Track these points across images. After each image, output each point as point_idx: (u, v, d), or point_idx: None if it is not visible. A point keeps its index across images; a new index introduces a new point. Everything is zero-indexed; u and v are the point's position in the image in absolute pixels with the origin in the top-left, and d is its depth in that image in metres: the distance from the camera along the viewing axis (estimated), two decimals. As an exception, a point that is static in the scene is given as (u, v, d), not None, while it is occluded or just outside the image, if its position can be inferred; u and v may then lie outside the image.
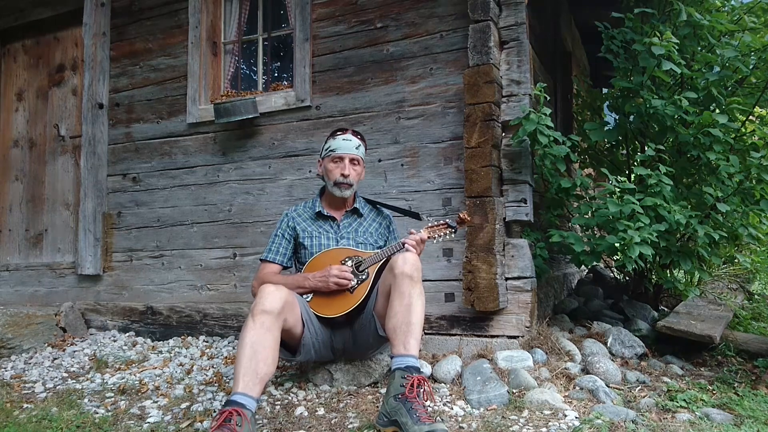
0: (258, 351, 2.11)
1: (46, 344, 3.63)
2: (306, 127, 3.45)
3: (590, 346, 2.90)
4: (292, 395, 2.54)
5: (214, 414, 2.35)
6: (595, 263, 3.21)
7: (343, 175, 2.59)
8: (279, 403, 2.45)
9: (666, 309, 4.13)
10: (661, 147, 3.17)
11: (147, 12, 4.04)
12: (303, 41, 3.46)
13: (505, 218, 2.95)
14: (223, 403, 2.46)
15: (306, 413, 2.33)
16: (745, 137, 3.36)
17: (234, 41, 3.91)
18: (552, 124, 2.85)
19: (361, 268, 2.49)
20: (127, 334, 3.82)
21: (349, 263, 2.50)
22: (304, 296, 2.51)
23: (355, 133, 2.70)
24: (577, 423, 2.12)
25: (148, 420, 2.35)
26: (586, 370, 2.68)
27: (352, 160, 2.62)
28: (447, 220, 2.52)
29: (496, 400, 2.35)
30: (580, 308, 3.86)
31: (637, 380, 2.66)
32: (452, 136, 3.06)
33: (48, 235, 4.42)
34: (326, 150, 2.66)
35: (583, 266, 3.32)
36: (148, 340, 3.70)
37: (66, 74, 4.45)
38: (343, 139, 2.63)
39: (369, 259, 2.50)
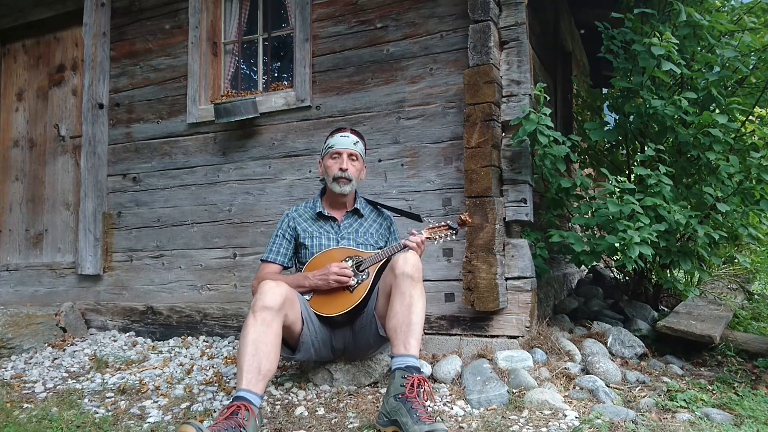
0: (260, 348, 2.11)
1: (46, 344, 3.63)
2: (306, 127, 3.45)
3: (590, 346, 2.90)
4: (292, 395, 2.54)
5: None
6: (595, 263, 3.21)
7: (341, 169, 2.60)
8: (279, 403, 2.45)
9: (666, 309, 4.13)
10: (661, 147, 3.17)
11: (147, 12, 4.04)
12: (303, 41, 3.46)
13: (505, 218, 2.95)
14: (224, 403, 2.47)
15: (306, 413, 2.33)
16: (745, 137, 3.36)
17: (234, 41, 3.91)
18: (552, 124, 2.85)
19: (361, 268, 2.49)
20: (127, 334, 3.82)
21: (350, 263, 2.50)
22: (305, 295, 2.51)
23: (354, 132, 2.72)
24: (577, 423, 2.12)
25: (148, 420, 2.35)
26: (586, 370, 2.68)
27: (350, 155, 2.63)
28: (448, 222, 2.52)
29: (496, 400, 2.35)
30: (580, 308, 3.86)
31: (637, 380, 2.66)
32: (452, 136, 3.06)
33: (48, 235, 4.42)
34: (325, 148, 2.69)
35: (583, 266, 3.32)
36: (148, 340, 3.70)
37: (66, 74, 4.46)
38: (342, 136, 2.66)
39: (369, 259, 2.50)
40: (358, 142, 2.68)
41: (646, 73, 3.18)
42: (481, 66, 2.92)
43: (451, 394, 2.48)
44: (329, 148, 2.66)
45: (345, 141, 2.64)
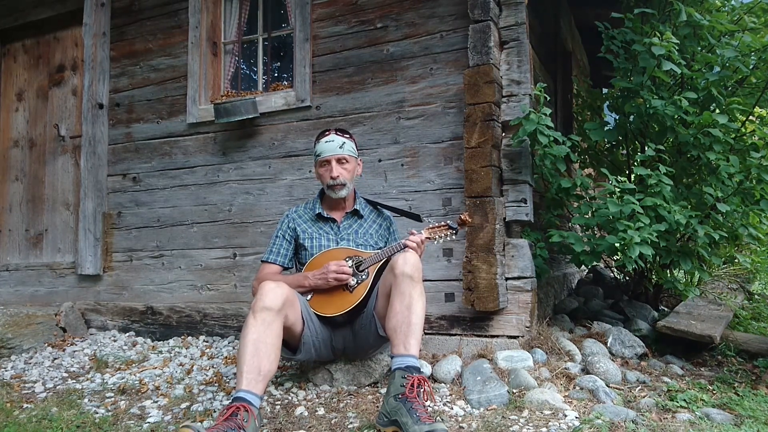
0: (260, 348, 2.11)
1: (46, 344, 3.63)
2: (306, 127, 3.45)
3: (590, 346, 2.90)
4: (292, 395, 2.54)
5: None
6: (595, 263, 3.21)
7: (332, 177, 2.59)
8: (279, 403, 2.45)
9: (666, 309, 4.13)
10: (661, 147, 3.17)
11: (147, 12, 4.04)
12: (303, 41, 3.46)
13: (505, 218, 2.95)
14: (224, 403, 2.47)
15: (306, 413, 2.33)
16: (745, 137, 3.36)
17: (234, 41, 3.91)
18: (552, 124, 2.85)
19: (361, 268, 2.49)
20: (127, 334, 3.82)
21: (349, 263, 2.50)
22: (305, 295, 2.51)
23: (339, 132, 2.67)
24: (577, 423, 2.12)
25: (148, 420, 2.35)
26: (586, 370, 2.68)
27: (339, 160, 2.61)
28: (448, 222, 2.52)
29: (496, 400, 2.35)
30: (580, 308, 3.86)
31: (637, 380, 2.66)
32: (452, 136, 3.06)
33: (48, 235, 4.42)
34: (315, 155, 2.68)
35: (583, 266, 3.32)
36: (148, 340, 3.70)
37: (66, 74, 4.46)
38: (326, 141, 2.62)
39: (369, 259, 2.50)
40: (344, 142, 2.63)
41: (647, 73, 3.18)
42: (481, 66, 2.92)
43: (451, 394, 2.48)
44: (317, 156, 2.64)
45: (331, 146, 2.61)
